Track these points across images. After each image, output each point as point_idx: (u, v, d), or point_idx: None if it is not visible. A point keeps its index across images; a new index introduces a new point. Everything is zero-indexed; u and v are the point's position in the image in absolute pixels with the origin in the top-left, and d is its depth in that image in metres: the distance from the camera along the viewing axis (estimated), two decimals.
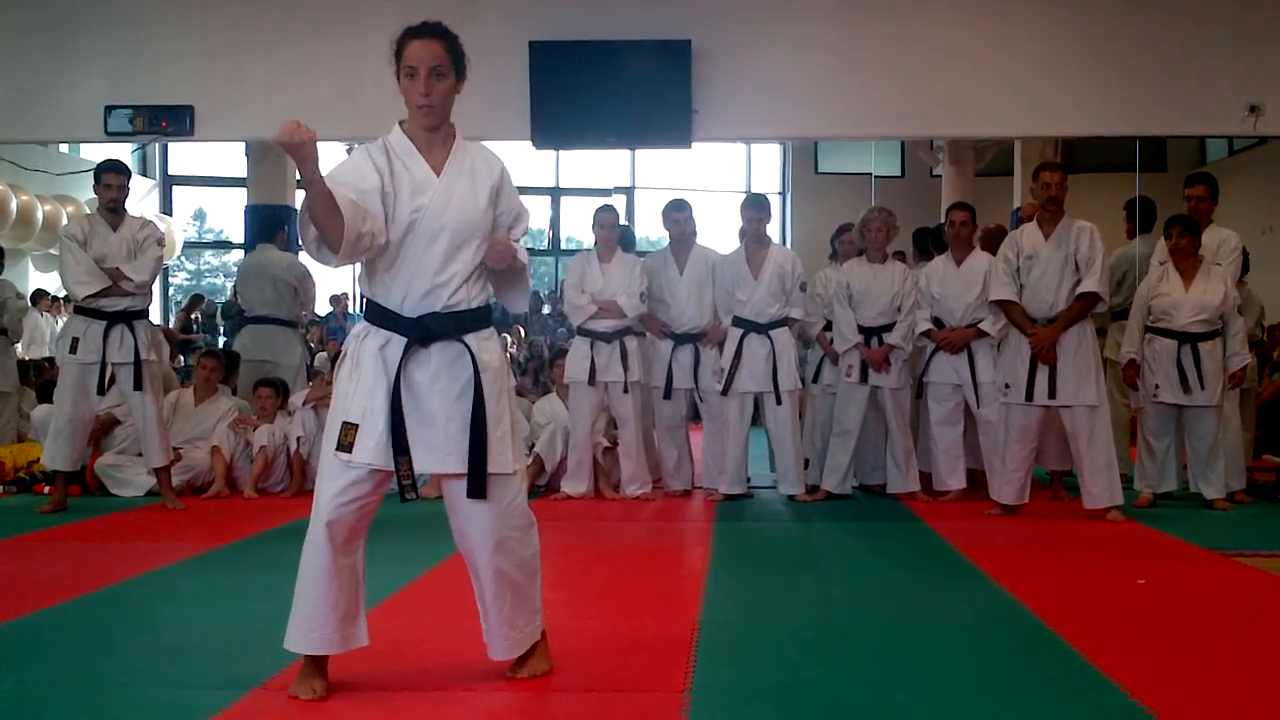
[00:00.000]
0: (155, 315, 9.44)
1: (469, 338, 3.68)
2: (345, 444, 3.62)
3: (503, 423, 3.70)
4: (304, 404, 8.71)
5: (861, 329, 8.29)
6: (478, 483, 3.64)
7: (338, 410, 3.69)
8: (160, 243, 7.86)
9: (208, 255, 20.58)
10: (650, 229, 19.14)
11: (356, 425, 3.63)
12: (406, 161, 3.70)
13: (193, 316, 17.43)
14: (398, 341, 3.65)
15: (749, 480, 8.58)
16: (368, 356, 3.67)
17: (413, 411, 3.64)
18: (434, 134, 3.74)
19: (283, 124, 3.39)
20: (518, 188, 3.90)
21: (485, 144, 3.88)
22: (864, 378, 8.28)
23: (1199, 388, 7.78)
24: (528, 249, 4.13)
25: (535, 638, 3.88)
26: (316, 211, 3.50)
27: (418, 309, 3.66)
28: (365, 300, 3.79)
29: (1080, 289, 7.25)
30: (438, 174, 3.70)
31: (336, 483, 3.64)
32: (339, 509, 3.63)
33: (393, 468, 3.62)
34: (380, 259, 3.67)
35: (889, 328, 8.28)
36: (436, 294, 3.65)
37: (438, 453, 3.65)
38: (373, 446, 3.61)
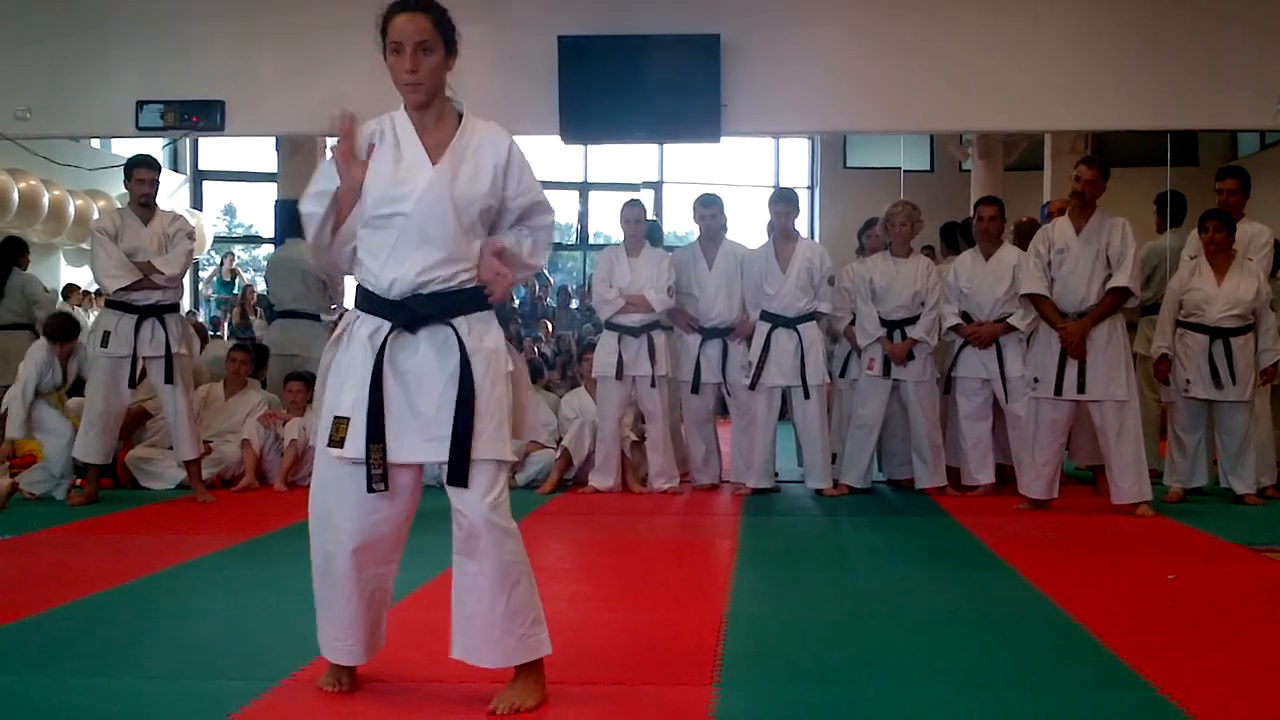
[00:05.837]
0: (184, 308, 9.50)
1: (458, 321, 3.48)
2: (337, 439, 3.49)
3: (501, 408, 3.49)
4: None
5: (884, 322, 8.29)
6: (458, 469, 3.42)
7: (328, 403, 3.55)
8: (191, 236, 7.93)
9: (237, 249, 20.62)
10: (679, 223, 19.08)
11: (348, 419, 3.48)
12: (402, 143, 3.53)
13: (253, 307, 17.09)
14: (385, 327, 3.49)
15: (777, 475, 8.57)
16: (358, 345, 3.50)
17: (401, 401, 3.46)
18: (425, 113, 3.54)
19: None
20: (545, 182, 3.72)
21: (516, 138, 3.67)
22: (886, 371, 8.28)
23: (1230, 383, 7.74)
24: (555, 243, 3.98)
25: (541, 651, 3.56)
26: (344, 217, 3.49)
27: (405, 294, 3.48)
28: (356, 286, 3.62)
29: (1111, 284, 7.20)
30: (432, 158, 3.50)
31: (352, 508, 3.52)
32: (362, 533, 3.54)
33: (400, 460, 3.48)
34: (373, 245, 3.50)
35: (912, 321, 8.27)
36: (427, 279, 3.46)
37: (430, 441, 3.45)
38: (364, 441, 3.46)
